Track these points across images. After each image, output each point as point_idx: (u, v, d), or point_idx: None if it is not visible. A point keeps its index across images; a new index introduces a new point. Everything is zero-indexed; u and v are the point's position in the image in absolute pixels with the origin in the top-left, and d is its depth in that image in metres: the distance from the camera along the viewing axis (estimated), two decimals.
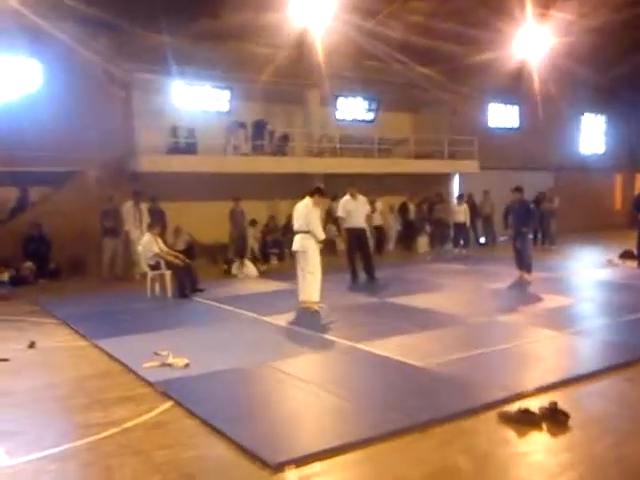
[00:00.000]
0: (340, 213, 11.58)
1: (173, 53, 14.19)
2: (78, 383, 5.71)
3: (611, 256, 13.85)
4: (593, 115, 25.42)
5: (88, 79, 13.81)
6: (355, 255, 11.78)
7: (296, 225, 9.04)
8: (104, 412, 4.84)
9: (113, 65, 14.08)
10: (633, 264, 12.77)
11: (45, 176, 13.26)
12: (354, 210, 11.50)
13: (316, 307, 8.82)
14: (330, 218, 15.12)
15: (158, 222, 12.84)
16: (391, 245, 17.79)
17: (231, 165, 15.49)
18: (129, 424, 4.53)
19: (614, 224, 22.70)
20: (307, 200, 9.00)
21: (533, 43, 16.46)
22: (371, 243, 15.49)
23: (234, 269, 13.22)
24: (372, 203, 15.97)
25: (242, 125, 16.31)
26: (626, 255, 13.56)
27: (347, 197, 11.61)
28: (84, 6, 12.17)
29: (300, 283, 9.02)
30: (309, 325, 7.89)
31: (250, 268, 13.20)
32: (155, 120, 15.14)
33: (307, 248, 8.83)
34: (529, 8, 15.14)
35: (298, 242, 8.92)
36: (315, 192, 9.07)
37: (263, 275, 13.10)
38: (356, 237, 11.55)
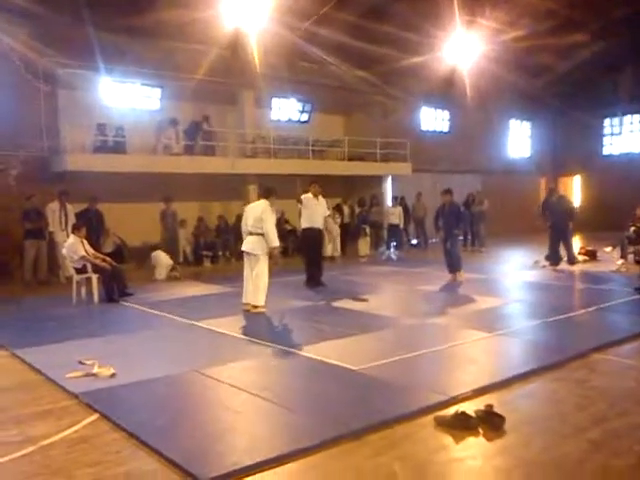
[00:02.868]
0: (303, 208, 11.18)
1: (102, 48, 13.64)
2: None
3: (537, 258, 14.31)
4: (519, 122, 26.33)
5: (9, 71, 13.08)
6: (310, 256, 11.39)
7: (249, 227, 8.84)
8: (19, 428, 4.48)
9: (37, 57, 13.38)
10: (557, 265, 13.24)
11: None
12: (314, 209, 11.11)
13: (262, 310, 8.72)
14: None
15: (99, 225, 12.45)
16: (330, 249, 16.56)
17: (162, 165, 15.00)
18: (48, 441, 4.20)
19: (539, 226, 23.50)
20: (262, 202, 8.85)
21: (463, 49, 16.83)
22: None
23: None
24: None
25: (174, 122, 15.77)
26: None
27: (309, 195, 11.19)
28: None
29: (247, 285, 8.88)
30: (244, 330, 7.71)
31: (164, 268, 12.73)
32: (82, 117, 14.43)
33: (259, 250, 8.73)
34: (458, 15, 15.50)
35: (250, 244, 8.79)
36: (270, 194, 8.89)
37: (196, 278, 12.77)
38: (312, 238, 11.20)
